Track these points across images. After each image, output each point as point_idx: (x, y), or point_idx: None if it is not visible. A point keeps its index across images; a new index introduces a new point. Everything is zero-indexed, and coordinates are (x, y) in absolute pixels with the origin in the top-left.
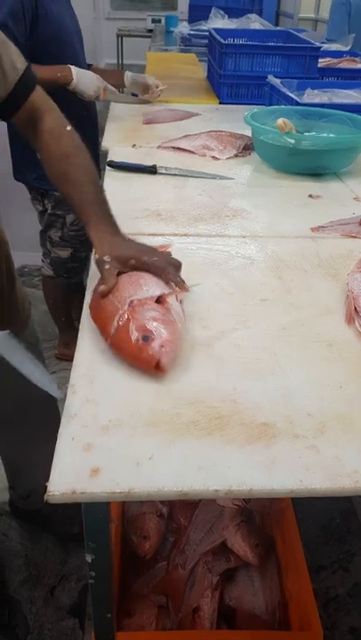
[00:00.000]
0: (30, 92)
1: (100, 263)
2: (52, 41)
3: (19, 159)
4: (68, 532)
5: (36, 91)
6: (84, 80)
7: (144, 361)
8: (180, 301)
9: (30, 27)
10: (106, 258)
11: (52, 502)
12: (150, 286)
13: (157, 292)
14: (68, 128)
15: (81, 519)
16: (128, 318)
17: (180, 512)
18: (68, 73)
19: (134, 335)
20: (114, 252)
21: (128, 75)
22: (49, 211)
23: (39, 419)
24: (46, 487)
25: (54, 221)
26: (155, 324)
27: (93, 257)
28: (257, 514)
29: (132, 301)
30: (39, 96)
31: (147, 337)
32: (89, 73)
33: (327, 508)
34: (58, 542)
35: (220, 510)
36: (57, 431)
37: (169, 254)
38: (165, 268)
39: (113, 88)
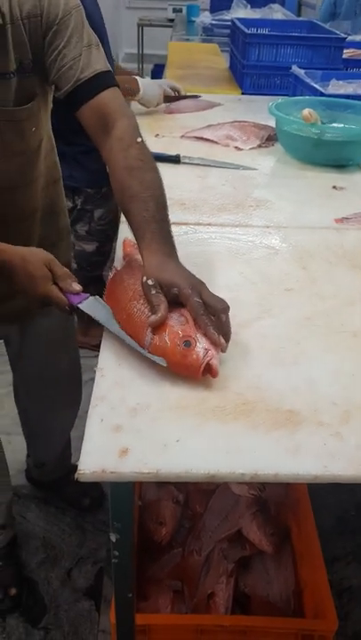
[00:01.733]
0: (99, 91)
1: (144, 287)
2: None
3: None
4: (80, 504)
5: (109, 92)
6: (150, 91)
7: (189, 367)
8: None
9: None
10: (150, 282)
11: (83, 480)
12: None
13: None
14: (139, 140)
15: (92, 493)
16: (162, 327)
17: (195, 499)
18: (135, 85)
19: (173, 342)
20: (159, 275)
21: (141, 83)
22: (78, 207)
23: (62, 389)
24: (58, 461)
25: (82, 216)
26: (192, 328)
27: (141, 280)
28: (272, 503)
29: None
30: (113, 100)
31: (188, 342)
32: (153, 83)
33: (342, 499)
34: (75, 525)
35: (235, 499)
36: (76, 406)
37: (222, 301)
38: (202, 314)
39: (169, 90)
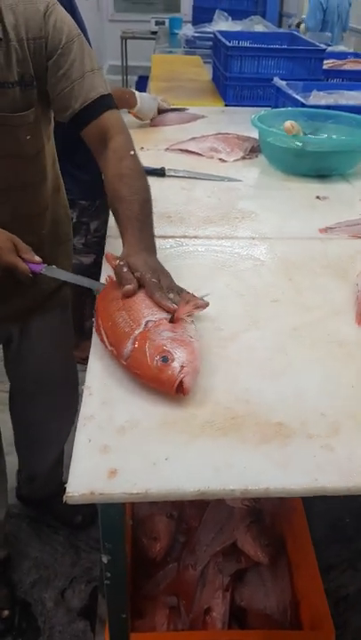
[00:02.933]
0: (102, 112)
1: (117, 268)
2: None
3: None
4: (72, 522)
5: (110, 113)
6: (146, 104)
7: (164, 382)
8: (192, 321)
9: None
10: (121, 262)
11: (71, 503)
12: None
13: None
14: (132, 152)
15: (84, 510)
16: (144, 339)
17: (189, 513)
18: (133, 97)
19: (152, 356)
20: (129, 260)
21: (139, 96)
22: (74, 220)
23: (58, 392)
24: (49, 475)
25: (79, 228)
26: (173, 344)
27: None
28: (267, 514)
29: (147, 322)
30: (113, 119)
31: (166, 358)
32: (149, 97)
33: (336, 507)
34: (67, 544)
35: (229, 511)
36: (73, 412)
37: (180, 288)
38: (155, 291)
39: (163, 104)
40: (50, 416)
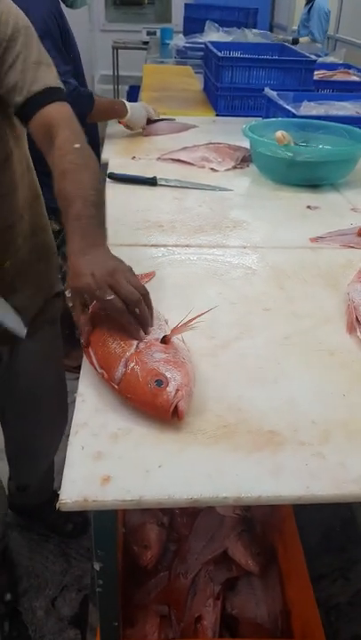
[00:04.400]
0: (44, 105)
1: (67, 301)
2: (74, 60)
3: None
4: (64, 530)
5: (56, 106)
6: (137, 113)
7: (159, 407)
8: (182, 339)
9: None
10: (67, 293)
11: (65, 510)
12: (154, 327)
13: (161, 334)
14: (77, 145)
15: (75, 519)
16: (136, 362)
17: (180, 521)
18: (123, 107)
19: (146, 380)
20: (71, 283)
21: (129, 106)
22: (58, 228)
23: (49, 404)
24: (40, 485)
25: (63, 238)
26: (167, 366)
27: None
28: (258, 523)
29: (138, 343)
30: (59, 113)
31: (160, 381)
32: (139, 106)
33: (327, 516)
34: (58, 552)
35: (220, 519)
36: (63, 423)
37: (134, 293)
38: (118, 311)
39: (152, 113)
40: (41, 430)
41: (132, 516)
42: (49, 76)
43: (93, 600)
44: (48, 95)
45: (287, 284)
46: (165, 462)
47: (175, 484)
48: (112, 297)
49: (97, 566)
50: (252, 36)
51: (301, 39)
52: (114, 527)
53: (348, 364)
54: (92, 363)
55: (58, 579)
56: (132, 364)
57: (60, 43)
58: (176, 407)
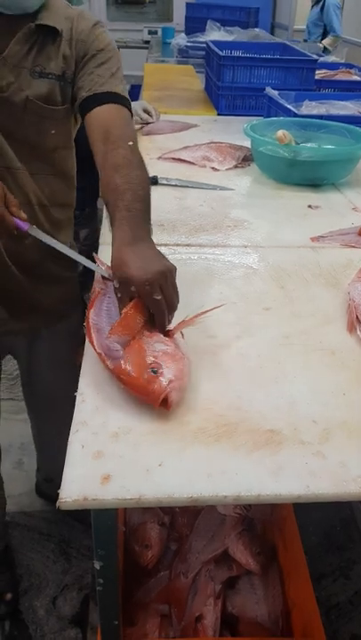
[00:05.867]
0: (107, 102)
1: (114, 288)
2: None
3: None
4: (87, 519)
5: (117, 108)
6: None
7: (150, 393)
8: (183, 335)
9: None
10: (115, 284)
11: (64, 509)
12: None
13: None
14: (130, 143)
15: None
16: (136, 348)
17: (181, 521)
18: None
19: (142, 366)
20: (118, 272)
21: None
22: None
23: (69, 409)
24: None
25: None
26: (165, 357)
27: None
28: (258, 522)
29: (143, 332)
30: (118, 112)
31: (155, 370)
32: (137, 104)
33: (328, 516)
34: (59, 551)
35: (221, 519)
36: None
37: (173, 302)
38: (164, 315)
39: (152, 110)
40: (62, 427)
41: (132, 516)
42: (118, 86)
43: (94, 599)
44: (111, 97)
45: (288, 283)
46: (165, 461)
47: (175, 482)
48: (160, 297)
49: (97, 565)
50: (269, 37)
51: (325, 41)
52: (114, 526)
53: (349, 364)
54: (91, 342)
55: (58, 578)
56: (131, 349)
57: None
58: (166, 397)
